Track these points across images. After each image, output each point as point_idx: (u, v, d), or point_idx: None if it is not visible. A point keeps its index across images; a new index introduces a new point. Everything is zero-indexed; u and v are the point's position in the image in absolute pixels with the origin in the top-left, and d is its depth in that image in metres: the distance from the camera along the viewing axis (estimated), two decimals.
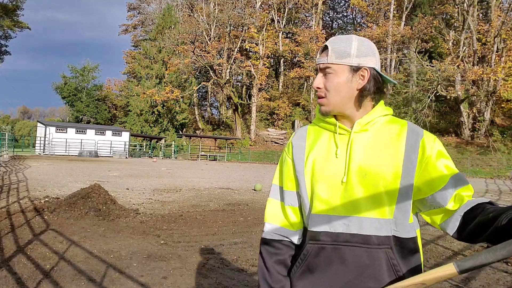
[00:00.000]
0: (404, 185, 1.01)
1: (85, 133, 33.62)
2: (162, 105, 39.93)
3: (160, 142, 38.34)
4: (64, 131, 32.87)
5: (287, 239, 1.12)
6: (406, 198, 1.02)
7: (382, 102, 1.10)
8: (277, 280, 1.09)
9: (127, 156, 33.02)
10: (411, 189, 1.02)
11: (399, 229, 1.02)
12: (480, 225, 0.90)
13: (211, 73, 41.30)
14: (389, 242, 1.00)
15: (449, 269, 0.83)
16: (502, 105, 31.40)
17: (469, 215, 0.96)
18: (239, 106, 41.46)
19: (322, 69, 1.06)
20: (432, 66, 30.65)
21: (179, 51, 42.35)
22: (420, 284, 0.87)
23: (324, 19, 51.72)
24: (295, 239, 1.12)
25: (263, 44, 41.67)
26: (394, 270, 1.00)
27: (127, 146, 34.38)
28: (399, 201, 1.01)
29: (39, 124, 34.85)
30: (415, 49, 33.48)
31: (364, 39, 1.07)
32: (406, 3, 38.07)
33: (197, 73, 46.95)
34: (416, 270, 1.02)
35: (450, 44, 32.89)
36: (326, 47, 1.06)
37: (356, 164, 1.02)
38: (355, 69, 1.03)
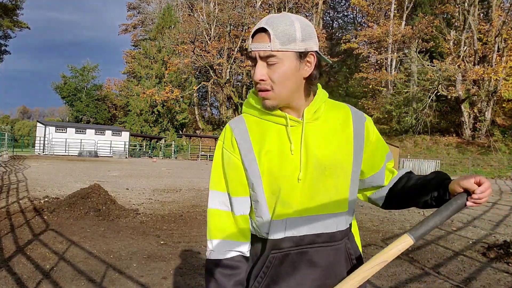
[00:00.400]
0: (355, 172, 0.99)
1: (85, 133, 33.62)
2: (162, 105, 39.94)
3: (160, 142, 38.34)
4: (63, 131, 32.87)
5: (241, 254, 0.95)
6: (356, 184, 1.00)
7: (319, 86, 1.01)
8: None
9: (127, 156, 33.02)
10: (358, 175, 1.01)
11: (351, 217, 1.01)
12: (410, 193, 0.98)
13: (211, 73, 41.29)
14: (347, 233, 0.99)
15: (405, 240, 0.90)
16: (503, 105, 31.36)
17: (397, 185, 1.02)
18: (239, 106, 41.44)
19: (263, 57, 0.89)
20: (433, 66, 30.62)
21: (179, 50, 42.35)
22: (383, 263, 0.90)
23: (324, 18, 51.69)
24: (247, 251, 0.96)
25: None
26: (350, 260, 0.99)
27: (127, 146, 34.38)
28: (352, 189, 0.99)
29: (38, 124, 34.85)
30: (416, 49, 33.44)
31: (303, 19, 0.93)
32: (406, 3, 38.03)
33: (197, 73, 46.94)
34: (359, 253, 1.03)
35: (451, 43, 32.85)
36: (264, 30, 0.88)
37: (314, 158, 0.93)
38: (302, 55, 0.90)
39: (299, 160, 0.93)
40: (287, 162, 0.92)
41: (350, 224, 1.02)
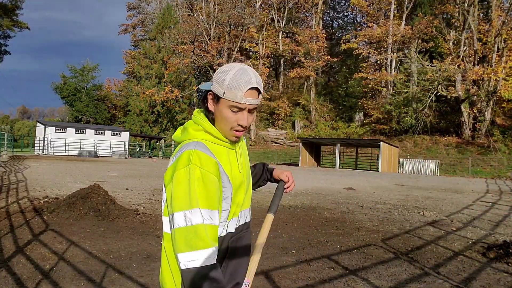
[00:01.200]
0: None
1: (85, 133, 33.60)
2: (161, 105, 39.93)
3: (160, 142, 38.32)
4: (63, 131, 32.86)
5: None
6: None
7: None
8: None
9: (127, 156, 33.00)
10: None
11: None
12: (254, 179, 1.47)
13: (211, 73, 41.29)
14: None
15: (269, 218, 1.35)
16: (503, 105, 31.37)
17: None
18: None
19: (251, 109, 1.16)
20: (433, 66, 30.63)
21: (179, 50, 42.34)
22: (262, 244, 1.30)
23: (324, 18, 51.70)
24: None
25: (263, 44, 41.66)
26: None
27: (126, 146, 34.37)
28: None
29: (38, 124, 34.83)
30: (416, 49, 33.45)
31: None
32: (406, 3, 38.05)
33: (197, 73, 46.95)
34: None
35: (451, 44, 32.86)
36: (257, 90, 1.15)
37: (246, 171, 1.30)
38: None
39: (244, 176, 1.26)
40: (238, 177, 1.22)
41: None
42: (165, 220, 1.15)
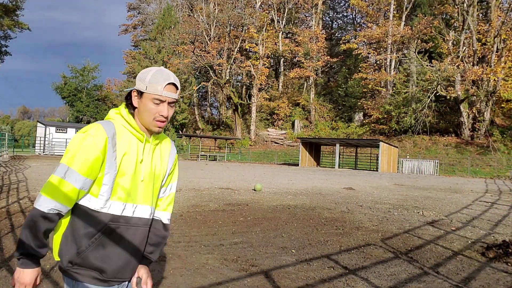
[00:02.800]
0: (162, 183, 1.53)
1: None
2: None
3: None
4: (64, 131, 32.86)
5: (62, 212, 1.28)
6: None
7: None
8: (44, 244, 1.28)
9: None
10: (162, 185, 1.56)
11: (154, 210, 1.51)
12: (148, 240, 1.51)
13: (211, 73, 41.30)
14: (150, 223, 1.46)
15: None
16: (502, 105, 31.40)
17: (154, 224, 1.52)
18: (239, 106, 41.47)
19: (170, 102, 1.36)
20: (432, 66, 30.66)
21: (179, 51, 42.35)
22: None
23: (324, 19, 51.75)
24: (65, 213, 1.30)
25: (263, 44, 41.66)
26: (146, 242, 1.47)
27: None
28: (158, 193, 1.52)
29: (39, 124, 34.82)
30: (415, 49, 33.47)
31: None
32: (406, 3, 38.07)
33: (197, 73, 46.95)
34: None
35: (450, 44, 32.89)
36: (175, 86, 1.36)
37: (151, 168, 1.41)
38: None
39: (143, 170, 1.38)
40: (137, 167, 1.36)
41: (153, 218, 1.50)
42: None
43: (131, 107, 1.39)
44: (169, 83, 1.34)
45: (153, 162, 1.42)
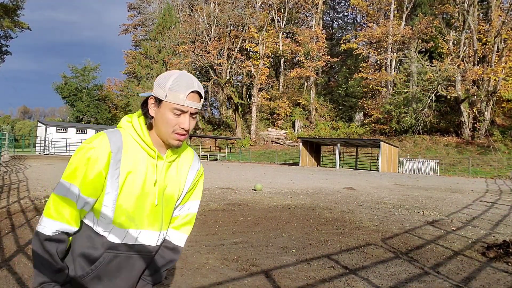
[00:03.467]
0: (177, 204, 1.34)
1: (86, 133, 33.63)
2: None
3: None
4: (64, 131, 32.88)
5: (67, 233, 1.15)
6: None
7: None
8: (62, 267, 1.14)
9: None
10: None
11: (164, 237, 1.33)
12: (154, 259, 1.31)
13: (212, 73, 41.30)
14: (156, 249, 1.29)
15: None
16: (503, 105, 31.38)
17: (166, 243, 1.34)
18: (239, 106, 41.46)
19: (192, 113, 1.17)
20: (433, 66, 30.64)
21: (180, 51, 42.37)
22: None
23: (324, 19, 51.72)
24: (72, 233, 1.17)
25: (263, 44, 41.66)
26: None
27: None
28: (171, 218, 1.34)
29: (39, 124, 34.85)
30: (416, 49, 33.45)
31: None
32: (406, 3, 38.04)
33: (197, 73, 46.96)
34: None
35: (451, 44, 32.86)
36: (199, 94, 1.18)
37: (164, 190, 1.24)
38: None
39: (156, 189, 1.21)
40: (147, 188, 1.19)
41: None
42: None
43: (146, 117, 1.20)
44: (192, 91, 1.15)
45: (166, 182, 1.24)
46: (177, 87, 1.13)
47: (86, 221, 1.17)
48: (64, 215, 1.11)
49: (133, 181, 1.16)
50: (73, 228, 1.14)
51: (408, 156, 28.70)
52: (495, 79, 28.81)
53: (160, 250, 1.29)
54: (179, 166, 1.28)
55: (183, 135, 1.18)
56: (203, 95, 1.19)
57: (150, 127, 1.19)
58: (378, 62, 41.19)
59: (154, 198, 1.20)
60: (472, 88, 29.62)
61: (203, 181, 1.41)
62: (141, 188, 1.17)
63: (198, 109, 1.18)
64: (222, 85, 41.37)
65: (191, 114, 1.17)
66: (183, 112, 1.15)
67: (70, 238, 1.18)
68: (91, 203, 1.14)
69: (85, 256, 1.16)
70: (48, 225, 1.11)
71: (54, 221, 1.11)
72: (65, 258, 1.17)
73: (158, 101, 1.16)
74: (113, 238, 1.16)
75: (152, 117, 1.18)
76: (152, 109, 1.18)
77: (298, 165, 29.00)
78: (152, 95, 1.18)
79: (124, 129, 1.20)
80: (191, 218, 1.36)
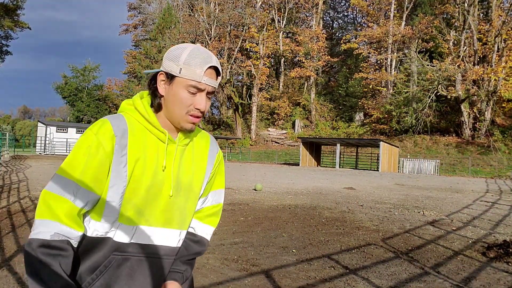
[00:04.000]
0: (200, 197, 1.16)
1: None
2: None
3: None
4: (64, 131, 32.91)
5: (72, 240, 0.93)
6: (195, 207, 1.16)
7: None
8: (68, 284, 0.89)
9: None
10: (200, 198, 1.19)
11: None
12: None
13: None
14: (176, 252, 1.09)
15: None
16: (503, 105, 31.37)
17: (189, 238, 1.15)
18: (239, 106, 41.47)
19: (210, 92, 1.02)
20: (433, 66, 30.63)
21: None
22: None
23: (324, 18, 51.70)
24: (75, 242, 0.95)
25: (263, 44, 41.67)
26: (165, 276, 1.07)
27: None
28: (193, 213, 1.15)
29: (39, 124, 34.88)
30: (416, 49, 33.44)
31: None
32: (406, 3, 38.03)
33: None
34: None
35: (451, 43, 32.86)
36: (216, 70, 1.02)
37: (178, 178, 1.05)
38: None
39: (170, 178, 1.02)
40: (158, 177, 1.01)
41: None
42: None
43: (155, 96, 1.02)
44: (210, 67, 1.00)
45: (181, 169, 1.05)
46: (194, 61, 0.98)
47: (86, 222, 0.99)
48: (59, 215, 0.90)
49: (143, 169, 0.98)
50: (75, 231, 0.93)
51: (408, 156, 28.70)
52: (495, 79, 28.80)
53: (184, 242, 1.11)
54: (195, 151, 1.10)
55: (198, 117, 1.01)
56: (221, 72, 1.04)
57: (158, 108, 1.02)
58: (379, 62, 41.19)
59: (168, 189, 1.02)
60: (473, 88, 29.62)
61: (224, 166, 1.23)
62: (152, 178, 0.99)
63: (215, 88, 1.02)
64: (222, 85, 41.39)
65: (207, 93, 1.01)
66: (200, 90, 0.99)
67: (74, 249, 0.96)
68: (93, 200, 0.95)
69: (88, 269, 0.96)
70: (42, 229, 0.88)
71: (50, 221, 0.89)
72: (73, 275, 0.94)
73: (170, 77, 0.99)
74: (120, 237, 0.97)
75: (162, 96, 1.01)
76: (161, 86, 1.01)
77: (298, 165, 29.00)
78: (161, 71, 1.01)
79: (127, 112, 1.03)
80: (218, 210, 1.19)
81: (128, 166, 0.96)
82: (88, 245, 0.97)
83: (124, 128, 0.98)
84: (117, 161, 0.96)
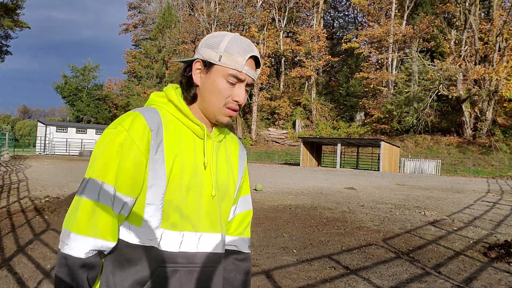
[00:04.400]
0: (234, 199, 1.07)
1: (86, 133, 33.69)
2: None
3: None
4: (64, 130, 32.94)
5: (105, 251, 0.86)
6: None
7: None
8: None
9: None
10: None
11: None
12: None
13: None
14: (222, 258, 0.99)
15: None
16: (504, 105, 31.31)
17: (229, 258, 1.06)
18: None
19: (249, 84, 0.94)
20: (434, 66, 30.58)
21: (180, 50, 42.37)
22: None
23: (325, 18, 51.64)
24: (108, 252, 0.87)
25: (264, 44, 41.65)
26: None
27: None
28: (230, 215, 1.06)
29: (39, 124, 34.92)
30: (417, 49, 33.40)
31: None
32: (407, 2, 37.97)
33: None
34: None
35: (452, 43, 32.80)
36: (257, 61, 0.94)
37: (218, 177, 0.96)
38: None
39: (210, 176, 0.93)
40: (198, 175, 0.91)
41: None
42: None
43: (190, 86, 0.94)
44: (251, 56, 0.92)
45: (219, 168, 0.97)
46: (235, 49, 0.90)
47: (122, 232, 0.88)
48: (98, 227, 0.82)
49: (182, 167, 0.88)
50: (110, 243, 0.84)
51: (409, 156, 28.67)
52: (496, 79, 28.75)
53: (228, 265, 1.02)
54: (228, 150, 1.02)
55: (235, 110, 0.94)
56: (261, 64, 0.96)
57: (192, 99, 0.94)
58: (379, 61, 41.14)
59: (210, 189, 0.93)
60: (474, 87, 29.57)
61: None
62: (192, 176, 0.90)
63: (254, 80, 0.95)
64: None
65: (247, 85, 0.94)
66: (240, 80, 0.91)
67: (103, 259, 0.88)
68: (130, 204, 0.86)
69: (133, 284, 0.85)
70: (78, 244, 0.81)
71: (86, 237, 0.81)
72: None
73: (208, 65, 0.91)
74: (166, 246, 0.87)
75: (197, 86, 0.93)
76: (197, 75, 0.93)
77: (298, 165, 28.98)
78: (198, 59, 0.93)
79: (158, 105, 0.94)
80: (250, 217, 1.11)
81: (166, 163, 0.87)
82: (130, 253, 0.87)
83: (158, 122, 0.88)
84: (153, 159, 0.86)
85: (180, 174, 0.88)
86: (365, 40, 39.99)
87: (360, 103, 39.15)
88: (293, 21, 46.68)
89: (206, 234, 0.92)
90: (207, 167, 0.93)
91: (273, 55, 45.63)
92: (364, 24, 45.52)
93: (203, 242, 0.92)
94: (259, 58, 0.95)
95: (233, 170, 1.02)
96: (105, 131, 0.88)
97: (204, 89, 0.92)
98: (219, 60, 0.90)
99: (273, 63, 48.22)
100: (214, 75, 0.91)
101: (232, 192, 1.01)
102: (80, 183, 0.85)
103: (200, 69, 0.93)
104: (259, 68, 0.96)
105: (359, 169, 28.64)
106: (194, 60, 0.93)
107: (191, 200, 0.90)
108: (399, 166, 26.79)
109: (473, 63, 30.92)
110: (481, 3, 33.18)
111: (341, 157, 29.36)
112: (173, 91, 0.95)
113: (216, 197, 0.94)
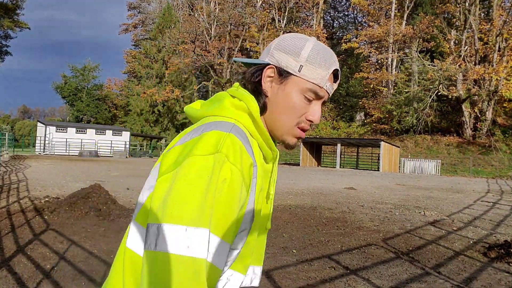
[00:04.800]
0: None
1: (85, 133, 33.67)
2: (162, 105, 39.97)
3: (161, 142, 38.37)
4: (64, 130, 32.91)
5: None
6: None
7: None
8: None
9: (128, 156, 33.04)
10: None
11: None
12: None
13: (212, 73, 41.31)
14: None
15: None
16: (504, 105, 31.32)
17: None
18: None
19: (325, 101, 0.79)
20: (434, 66, 30.59)
21: (180, 50, 42.37)
22: None
23: (325, 18, 51.65)
24: None
25: (263, 44, 41.64)
26: None
27: (127, 146, 34.42)
28: None
29: (39, 124, 34.89)
30: (417, 49, 33.40)
31: None
32: (407, 2, 37.99)
33: (197, 72, 46.97)
34: None
35: (452, 43, 32.81)
36: (337, 75, 0.78)
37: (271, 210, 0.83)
38: None
39: (270, 207, 0.81)
40: (265, 207, 0.77)
41: None
42: (135, 229, 0.68)
43: (258, 94, 0.76)
44: (336, 70, 0.77)
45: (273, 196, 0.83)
46: (318, 60, 0.74)
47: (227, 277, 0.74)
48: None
49: (261, 202, 0.74)
50: None
51: (409, 156, 28.67)
52: (496, 79, 28.76)
53: None
54: (274, 178, 0.83)
55: (305, 131, 0.78)
56: (339, 78, 0.79)
57: (261, 112, 0.76)
58: (379, 61, 41.15)
59: (268, 221, 0.80)
60: (474, 87, 29.58)
61: None
62: (263, 209, 0.76)
63: (330, 96, 0.80)
64: (222, 84, 41.38)
65: (324, 102, 0.78)
66: (318, 97, 0.76)
67: None
68: (226, 253, 0.67)
69: None
70: None
71: None
72: None
73: (284, 75, 0.74)
74: (234, 285, 0.74)
75: (266, 96, 0.76)
76: (268, 85, 0.75)
77: (298, 165, 28.98)
78: (271, 64, 0.75)
79: (237, 119, 0.72)
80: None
81: (255, 202, 0.71)
82: None
83: (251, 151, 0.70)
84: (250, 200, 0.69)
85: (259, 211, 0.73)
86: (365, 40, 39.99)
87: (360, 103, 39.15)
88: (293, 21, 46.68)
89: (258, 267, 0.82)
90: (271, 198, 0.79)
91: None
92: (364, 24, 45.54)
93: (256, 275, 0.81)
94: (339, 70, 0.78)
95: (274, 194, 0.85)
96: (195, 158, 0.62)
97: (274, 103, 0.75)
98: (299, 71, 0.74)
99: None
100: (289, 88, 0.74)
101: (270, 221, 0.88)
102: (182, 235, 0.57)
103: (272, 76, 0.76)
104: (337, 82, 0.79)
105: (359, 169, 28.64)
106: (266, 64, 0.76)
107: (260, 239, 0.79)
108: (399, 166, 26.80)
109: (473, 63, 30.93)
110: (481, 3, 33.19)
111: (341, 157, 29.35)
112: (255, 103, 0.74)
113: (265, 231, 0.82)
